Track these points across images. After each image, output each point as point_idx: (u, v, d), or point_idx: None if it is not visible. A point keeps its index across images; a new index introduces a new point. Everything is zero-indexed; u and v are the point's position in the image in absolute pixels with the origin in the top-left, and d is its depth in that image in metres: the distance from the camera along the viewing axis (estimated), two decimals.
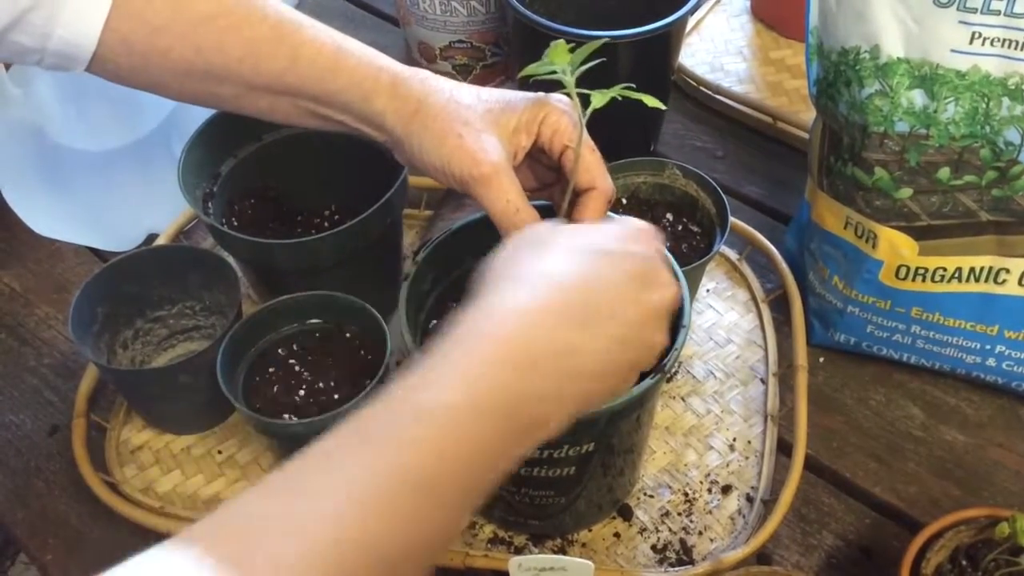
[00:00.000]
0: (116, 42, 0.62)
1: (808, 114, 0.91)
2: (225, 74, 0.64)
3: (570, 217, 0.62)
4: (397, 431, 0.41)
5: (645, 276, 0.52)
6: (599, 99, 0.58)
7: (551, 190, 0.66)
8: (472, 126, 0.59)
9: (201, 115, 0.82)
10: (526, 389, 0.45)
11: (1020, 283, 0.76)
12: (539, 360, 0.45)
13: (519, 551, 0.74)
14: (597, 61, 0.57)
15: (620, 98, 0.58)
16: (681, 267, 0.67)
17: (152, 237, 0.98)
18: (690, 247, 0.84)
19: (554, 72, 0.57)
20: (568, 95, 0.59)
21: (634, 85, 0.57)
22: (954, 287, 0.77)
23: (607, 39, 0.58)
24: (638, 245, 0.53)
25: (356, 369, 0.75)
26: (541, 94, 0.62)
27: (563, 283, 0.49)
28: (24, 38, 0.61)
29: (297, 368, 0.76)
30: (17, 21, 0.60)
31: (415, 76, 0.62)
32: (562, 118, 0.60)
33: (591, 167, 0.60)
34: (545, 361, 0.46)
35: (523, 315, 0.46)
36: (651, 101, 0.59)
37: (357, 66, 0.63)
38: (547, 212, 0.64)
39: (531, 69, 0.58)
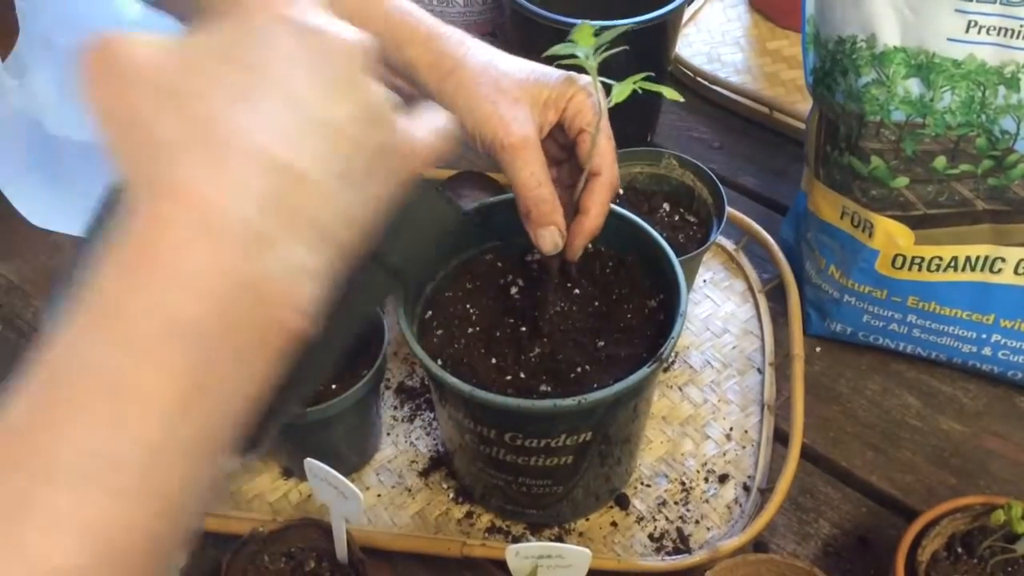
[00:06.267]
0: None
1: (805, 104, 0.91)
2: None
3: (579, 201, 0.62)
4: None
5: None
6: (620, 92, 0.58)
7: (558, 168, 0.66)
8: (507, 94, 0.60)
9: None
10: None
11: (1016, 272, 0.76)
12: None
13: (517, 540, 0.74)
14: (606, 56, 0.57)
15: (640, 91, 0.58)
16: (678, 257, 0.68)
17: None
18: (687, 237, 0.84)
19: (574, 56, 0.57)
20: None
21: (654, 74, 0.58)
22: (950, 276, 0.78)
23: (605, 28, 0.58)
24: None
25: (353, 359, 0.75)
26: (572, 72, 0.62)
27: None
28: None
29: None
30: None
31: (453, 35, 0.63)
32: (587, 100, 0.61)
33: (603, 153, 0.61)
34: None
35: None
36: (671, 94, 0.59)
37: (392, 12, 0.62)
38: None
39: (556, 50, 0.58)
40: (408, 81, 0.63)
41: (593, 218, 0.62)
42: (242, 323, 0.31)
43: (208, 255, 0.30)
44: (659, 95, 0.59)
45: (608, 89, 0.59)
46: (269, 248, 0.31)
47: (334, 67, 0.34)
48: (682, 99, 0.62)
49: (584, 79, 0.61)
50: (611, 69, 0.59)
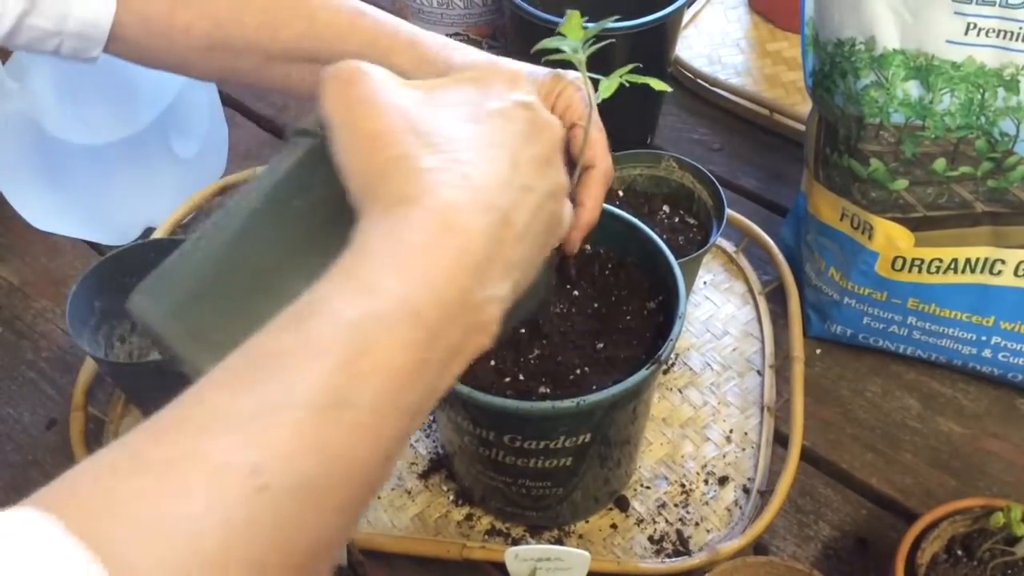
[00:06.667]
0: (134, 21, 0.63)
1: (805, 106, 0.91)
2: (244, 45, 0.65)
3: (574, 195, 0.62)
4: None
5: (534, 126, 0.44)
6: (607, 88, 0.58)
7: None
8: None
9: (198, 110, 0.82)
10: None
11: (1016, 274, 0.76)
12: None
13: (516, 543, 0.74)
14: (595, 49, 0.57)
15: (627, 84, 0.58)
16: (678, 259, 0.68)
17: (149, 231, 0.98)
18: (687, 239, 0.84)
19: (563, 51, 0.57)
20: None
21: (641, 65, 0.57)
22: (950, 278, 0.78)
23: (603, 29, 0.58)
24: (511, 92, 0.45)
25: None
26: (558, 69, 0.62)
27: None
28: (42, 21, 0.62)
29: None
30: (34, 4, 0.61)
31: (436, 40, 0.63)
32: (576, 95, 0.61)
33: (595, 145, 0.61)
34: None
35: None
36: (658, 84, 0.59)
37: (374, 25, 0.64)
38: None
39: (545, 43, 0.58)
40: None
41: (589, 211, 0.62)
42: (455, 326, 0.37)
43: (447, 261, 0.36)
44: (659, 96, 0.59)
45: (596, 84, 0.58)
46: (484, 272, 0.38)
47: (544, 146, 0.43)
48: (670, 89, 0.62)
49: (572, 75, 0.61)
50: (610, 71, 0.58)
